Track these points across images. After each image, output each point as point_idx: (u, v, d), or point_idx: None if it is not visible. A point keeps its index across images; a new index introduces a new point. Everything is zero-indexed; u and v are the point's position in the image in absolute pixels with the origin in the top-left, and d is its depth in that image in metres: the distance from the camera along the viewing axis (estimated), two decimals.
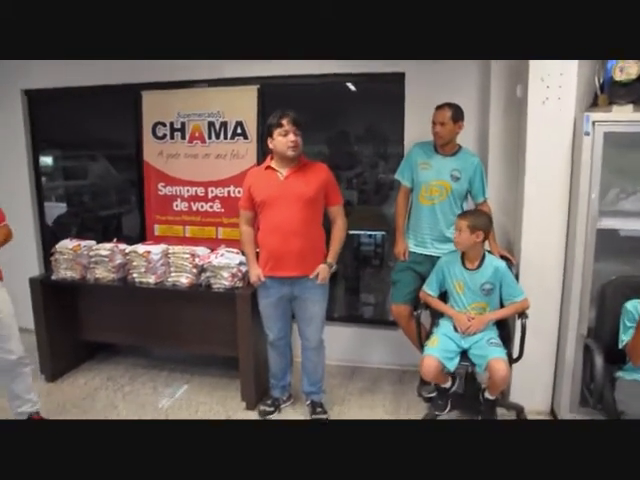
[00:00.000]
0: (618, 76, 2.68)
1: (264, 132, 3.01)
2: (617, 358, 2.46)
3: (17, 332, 2.75)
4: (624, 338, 2.42)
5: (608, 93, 2.76)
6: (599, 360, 2.44)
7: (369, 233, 4.42)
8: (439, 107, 2.96)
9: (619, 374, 2.42)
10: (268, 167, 2.87)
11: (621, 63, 2.66)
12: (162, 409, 3.24)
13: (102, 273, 3.45)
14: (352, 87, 3.91)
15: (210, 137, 3.76)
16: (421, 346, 2.88)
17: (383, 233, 4.34)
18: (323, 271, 2.84)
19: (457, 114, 2.94)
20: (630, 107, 2.69)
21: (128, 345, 3.92)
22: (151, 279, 3.38)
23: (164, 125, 3.84)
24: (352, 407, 3.25)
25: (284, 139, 2.75)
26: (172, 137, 3.84)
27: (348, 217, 3.73)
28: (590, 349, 2.54)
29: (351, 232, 4.31)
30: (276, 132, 2.76)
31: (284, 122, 2.73)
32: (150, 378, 3.64)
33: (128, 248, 3.47)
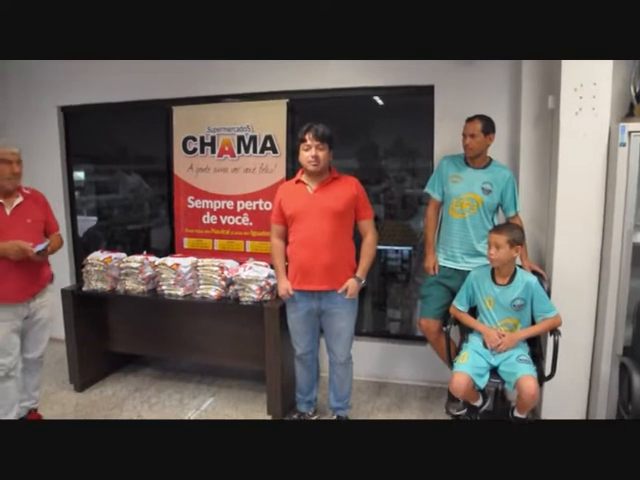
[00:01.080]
0: None
1: (294, 146, 3.02)
2: None
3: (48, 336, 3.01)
4: None
5: None
6: (637, 379, 2.36)
7: (396, 248, 4.39)
8: (470, 119, 2.93)
9: None
10: (298, 181, 2.88)
11: None
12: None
13: (132, 285, 3.49)
14: (380, 101, 3.91)
15: (239, 151, 3.79)
16: (450, 362, 2.83)
17: (410, 248, 4.31)
18: (352, 286, 2.81)
19: (488, 126, 2.91)
20: None
21: (156, 357, 3.95)
22: (180, 291, 3.40)
23: (194, 139, 3.90)
24: None
25: (306, 154, 2.76)
26: (202, 151, 3.89)
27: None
28: (627, 367, 2.46)
29: (378, 247, 4.32)
30: (301, 147, 2.78)
31: (307, 137, 2.74)
32: (177, 390, 3.65)
33: (157, 260, 3.51)
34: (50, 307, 2.99)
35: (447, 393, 3.09)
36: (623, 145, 2.61)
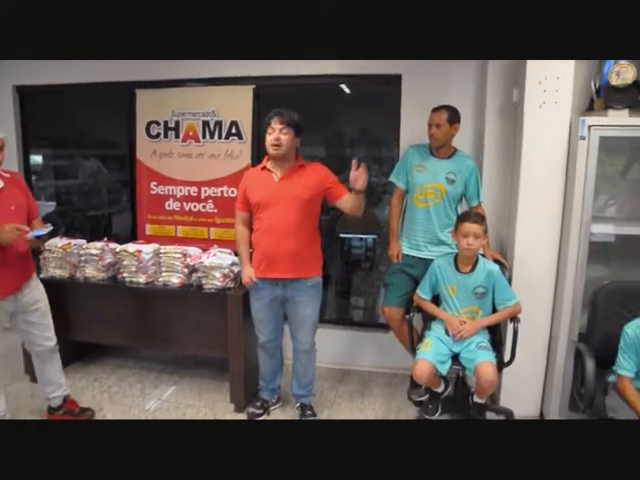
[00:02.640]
0: (614, 80, 2.68)
1: (259, 132, 2.98)
2: (609, 362, 2.44)
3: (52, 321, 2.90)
4: (623, 365, 2.32)
5: (604, 98, 2.76)
6: (590, 364, 2.43)
7: (360, 237, 4.42)
8: (435, 109, 2.96)
9: (611, 378, 2.41)
10: (264, 168, 2.85)
11: (617, 67, 2.67)
12: (149, 411, 3.19)
13: (92, 272, 3.41)
14: (347, 89, 3.90)
15: (204, 136, 3.73)
16: (412, 349, 2.87)
17: (374, 237, 4.33)
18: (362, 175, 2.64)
19: (453, 116, 2.94)
20: (626, 112, 2.70)
21: (116, 346, 3.85)
22: (142, 279, 3.34)
23: (158, 124, 3.81)
24: (342, 410, 3.23)
25: (269, 137, 2.73)
26: (166, 136, 3.81)
27: (339, 221, 3.69)
28: (581, 353, 2.54)
29: (342, 235, 4.34)
30: (267, 131, 2.75)
31: (272, 121, 2.72)
32: (138, 379, 3.59)
33: (119, 247, 3.43)
34: (45, 295, 2.87)
35: (410, 379, 3.13)
36: (583, 138, 2.67)
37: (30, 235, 2.53)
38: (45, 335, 2.84)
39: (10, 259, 2.59)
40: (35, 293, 2.79)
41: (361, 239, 4.45)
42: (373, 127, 4.18)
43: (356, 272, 4.53)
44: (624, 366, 2.29)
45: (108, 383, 3.52)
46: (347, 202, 2.78)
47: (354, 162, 2.63)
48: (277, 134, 2.70)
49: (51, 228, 2.65)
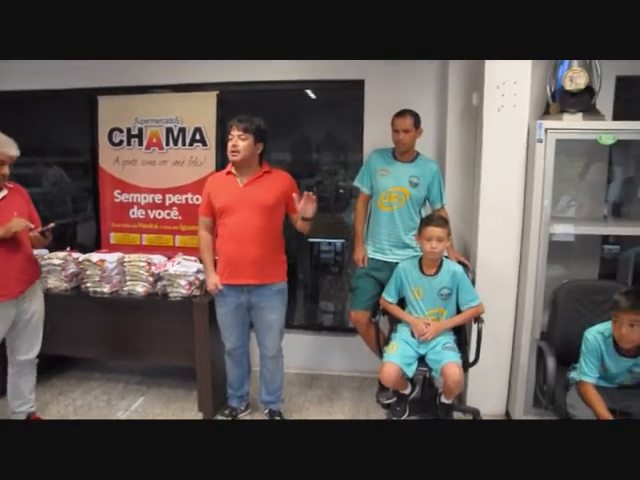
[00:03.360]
0: (568, 85, 2.77)
1: (223, 139, 2.97)
2: (569, 360, 2.50)
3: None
4: (585, 371, 2.36)
5: (559, 102, 2.84)
6: (551, 362, 2.48)
7: (329, 241, 4.42)
8: (400, 114, 2.98)
9: (572, 375, 2.46)
10: (229, 173, 2.83)
11: (570, 73, 2.75)
12: None
13: (54, 282, 3.36)
14: (312, 95, 3.92)
15: (168, 143, 3.70)
16: (379, 352, 2.88)
17: (343, 241, 4.35)
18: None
19: (417, 120, 2.99)
20: (579, 116, 2.79)
21: (82, 357, 3.77)
22: (106, 288, 3.30)
23: (121, 131, 3.76)
24: (311, 415, 3.22)
25: (229, 144, 2.72)
26: (129, 143, 3.76)
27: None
28: (542, 351, 2.58)
29: (311, 240, 4.34)
30: (228, 138, 2.74)
31: (231, 128, 2.72)
32: (104, 391, 3.52)
33: (82, 257, 3.38)
34: (41, 304, 2.88)
35: (378, 382, 3.14)
36: (540, 141, 2.73)
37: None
38: (32, 345, 2.83)
39: (16, 261, 2.64)
40: (35, 300, 2.81)
41: (330, 243, 4.46)
42: (339, 132, 4.19)
43: (325, 276, 4.54)
44: (586, 372, 2.34)
45: (73, 396, 3.45)
46: (297, 221, 2.85)
47: (305, 193, 2.68)
48: (235, 140, 2.70)
49: (56, 222, 2.74)
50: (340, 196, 4.44)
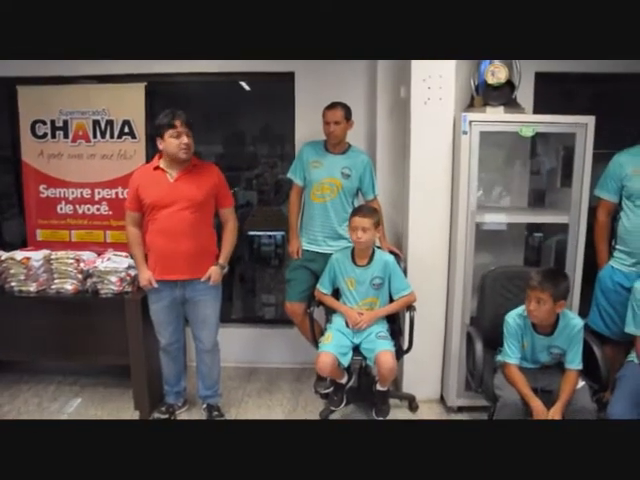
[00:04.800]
0: (490, 79, 2.87)
1: (152, 132, 2.90)
2: (497, 343, 2.60)
3: None
4: (508, 353, 2.48)
5: (482, 95, 2.94)
6: (479, 346, 2.57)
7: (269, 234, 4.42)
8: (331, 107, 3.00)
9: (498, 358, 2.57)
10: (157, 167, 2.77)
11: (492, 67, 2.85)
12: None
13: None
14: (246, 86, 3.88)
15: (95, 136, 3.56)
16: (315, 343, 2.92)
17: (283, 233, 4.34)
18: (215, 273, 2.80)
19: (348, 112, 3.02)
20: (501, 109, 2.89)
21: (8, 360, 3.60)
22: (32, 287, 3.16)
23: (44, 123, 3.58)
24: (250, 408, 3.23)
25: (176, 141, 2.66)
26: (54, 136, 3.59)
27: (248, 218, 3.69)
28: (471, 336, 2.68)
29: (251, 233, 4.32)
30: (167, 133, 2.65)
31: (177, 123, 2.65)
32: (34, 394, 3.39)
33: (4, 255, 3.23)
34: None
35: (315, 373, 3.18)
36: (465, 133, 2.82)
37: None
38: None
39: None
40: None
41: (270, 236, 4.45)
42: (273, 124, 4.19)
43: (266, 269, 4.53)
44: (508, 354, 2.46)
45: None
46: (222, 217, 2.92)
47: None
48: (186, 139, 2.67)
49: None
50: (280, 188, 4.43)
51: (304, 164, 3.12)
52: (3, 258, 3.20)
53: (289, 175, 3.19)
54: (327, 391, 3.08)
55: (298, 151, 3.23)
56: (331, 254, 2.99)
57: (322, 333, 2.93)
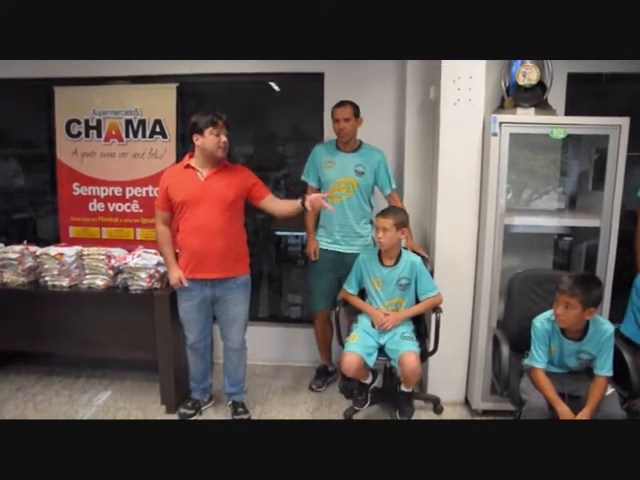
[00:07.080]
0: (521, 81, 2.84)
1: (185, 130, 2.95)
2: (524, 347, 2.56)
3: None
4: (535, 357, 2.45)
5: (513, 96, 2.91)
6: (505, 349, 2.54)
7: (296, 234, 4.43)
8: (340, 104, 3.05)
9: (525, 362, 2.54)
10: (188, 166, 2.81)
11: (523, 68, 2.82)
12: (77, 417, 3.10)
13: (11, 277, 3.30)
14: (276, 87, 3.91)
15: (127, 135, 3.65)
16: (341, 342, 2.92)
17: None
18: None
19: (357, 110, 3.06)
20: (532, 110, 2.86)
21: (42, 353, 3.71)
22: (65, 282, 3.25)
23: (78, 122, 3.69)
24: (274, 406, 3.25)
25: (216, 139, 2.70)
26: (87, 135, 3.70)
27: (275, 219, 3.71)
28: (497, 340, 2.66)
29: (278, 233, 4.34)
30: (208, 130, 2.68)
31: (219, 122, 2.69)
32: (65, 386, 3.47)
33: (39, 250, 3.32)
34: None
35: (340, 373, 3.18)
36: (495, 135, 2.79)
37: None
38: None
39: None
40: None
41: (297, 236, 4.47)
42: (303, 125, 4.20)
43: (292, 269, 4.55)
44: (536, 358, 2.43)
45: (32, 392, 3.39)
46: (275, 205, 2.87)
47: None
48: (225, 137, 2.73)
49: None
50: (307, 189, 4.44)
51: (317, 165, 3.17)
52: (38, 253, 3.29)
53: (303, 178, 3.24)
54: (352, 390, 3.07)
55: (310, 153, 3.26)
56: (351, 254, 3.02)
57: (348, 333, 2.93)
